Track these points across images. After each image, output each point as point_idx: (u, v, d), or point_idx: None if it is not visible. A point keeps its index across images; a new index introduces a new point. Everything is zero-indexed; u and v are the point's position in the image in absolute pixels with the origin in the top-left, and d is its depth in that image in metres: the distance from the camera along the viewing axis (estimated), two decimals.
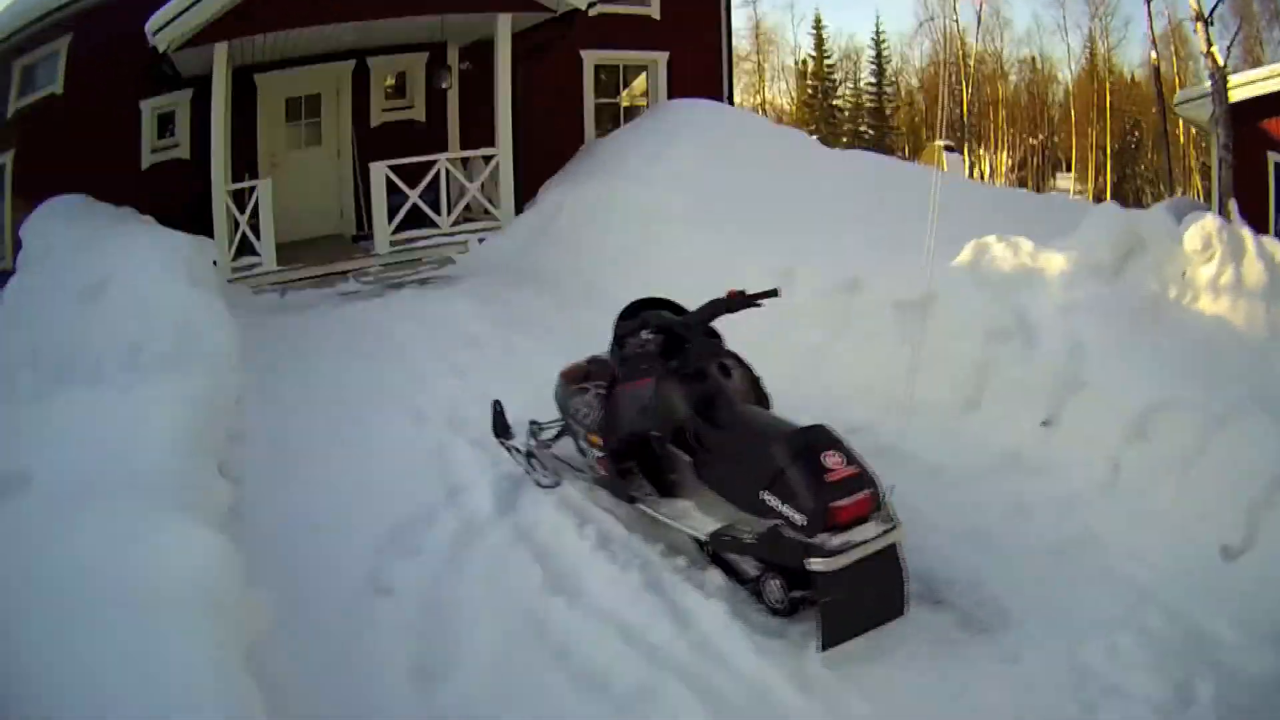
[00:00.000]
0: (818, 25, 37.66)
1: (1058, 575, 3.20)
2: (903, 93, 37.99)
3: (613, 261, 7.13)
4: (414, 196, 8.73)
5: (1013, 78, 35.93)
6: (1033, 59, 35.65)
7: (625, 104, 11.69)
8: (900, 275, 4.66)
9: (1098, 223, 4.79)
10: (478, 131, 9.58)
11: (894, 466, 3.31)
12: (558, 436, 4.21)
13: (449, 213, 9.07)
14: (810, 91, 37.93)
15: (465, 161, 9.37)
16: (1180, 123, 22.00)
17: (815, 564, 2.74)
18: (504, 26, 8.86)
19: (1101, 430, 3.72)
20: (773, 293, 3.57)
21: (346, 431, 4.69)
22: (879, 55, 37.43)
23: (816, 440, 2.94)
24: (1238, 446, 3.35)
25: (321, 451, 4.41)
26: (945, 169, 18.39)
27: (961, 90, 32.64)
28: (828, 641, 2.75)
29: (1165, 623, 2.90)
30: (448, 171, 9.04)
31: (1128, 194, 31.70)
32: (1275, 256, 4.57)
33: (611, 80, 11.64)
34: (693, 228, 7.03)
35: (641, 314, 3.75)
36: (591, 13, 9.13)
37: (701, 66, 11.66)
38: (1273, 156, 9.54)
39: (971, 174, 30.24)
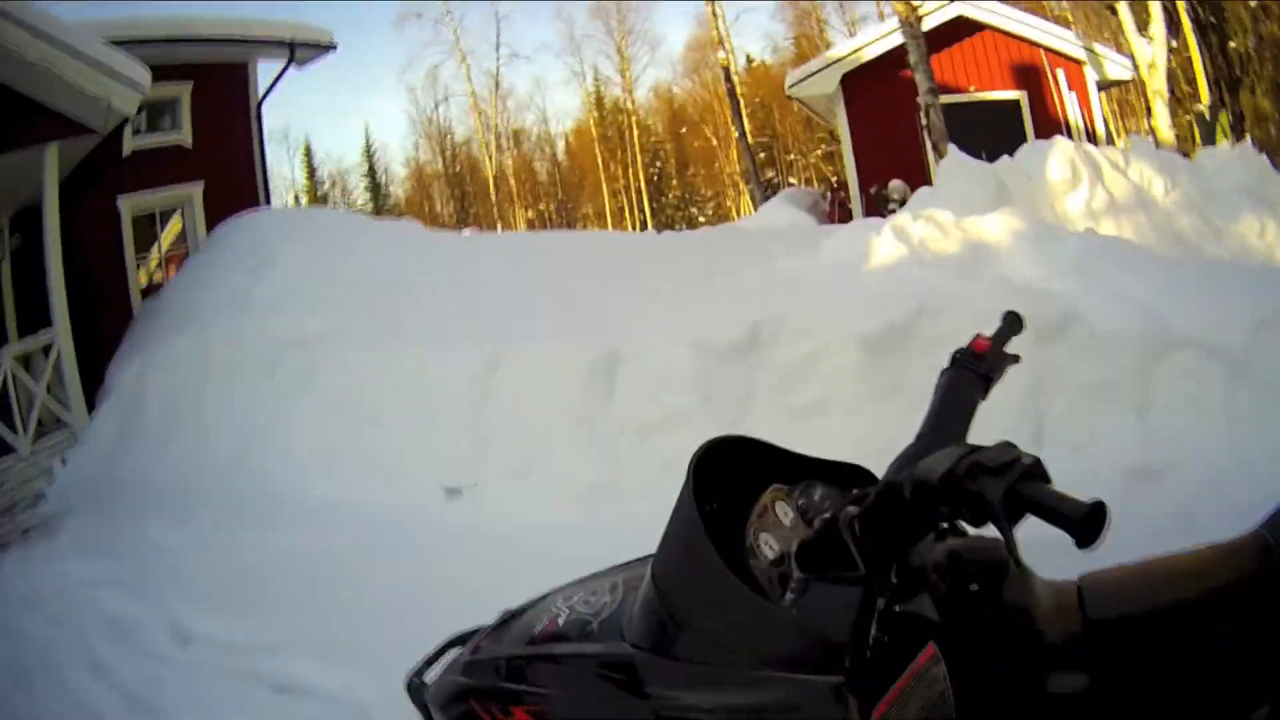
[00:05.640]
0: (307, 153, 37.41)
1: None
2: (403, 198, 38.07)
3: (259, 433, 5.09)
4: None
5: (514, 150, 36.30)
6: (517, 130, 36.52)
7: (166, 248, 9.62)
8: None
9: (953, 182, 5.69)
10: (27, 317, 7.17)
11: None
12: None
13: (25, 430, 6.26)
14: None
15: (27, 360, 6.66)
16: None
17: None
18: (50, 165, 6.54)
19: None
20: (1016, 321, 1.73)
21: None
22: (371, 169, 38.02)
23: None
24: None
25: None
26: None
27: (487, 175, 33.16)
28: None
29: None
30: (13, 376, 6.28)
31: (670, 222, 33.29)
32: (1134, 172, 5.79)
33: (146, 226, 9.31)
34: (349, 348, 5.27)
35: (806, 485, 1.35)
36: (127, 148, 7.43)
37: (235, 186, 9.75)
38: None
39: None
